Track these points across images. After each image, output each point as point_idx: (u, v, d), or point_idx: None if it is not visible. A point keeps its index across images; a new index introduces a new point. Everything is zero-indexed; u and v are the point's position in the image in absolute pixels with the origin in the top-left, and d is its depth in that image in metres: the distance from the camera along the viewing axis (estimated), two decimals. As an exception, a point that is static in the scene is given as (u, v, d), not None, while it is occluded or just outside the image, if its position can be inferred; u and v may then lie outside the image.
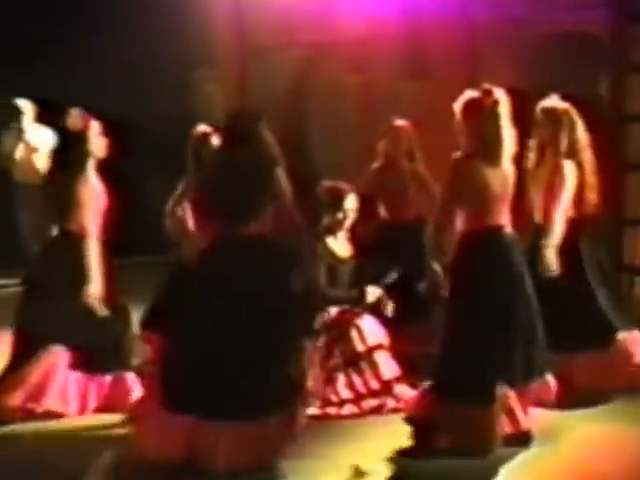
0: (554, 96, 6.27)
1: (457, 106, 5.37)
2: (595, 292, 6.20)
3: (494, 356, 5.25)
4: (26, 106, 9.72)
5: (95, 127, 6.09)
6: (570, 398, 5.77)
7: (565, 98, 6.26)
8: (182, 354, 5.06)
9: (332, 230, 6.32)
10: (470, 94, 5.38)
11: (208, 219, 5.32)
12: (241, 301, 4.96)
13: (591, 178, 6.23)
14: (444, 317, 5.44)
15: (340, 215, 6.30)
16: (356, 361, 6.12)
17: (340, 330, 6.17)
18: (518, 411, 5.33)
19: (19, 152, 9.78)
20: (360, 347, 6.13)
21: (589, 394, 5.99)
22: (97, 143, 6.09)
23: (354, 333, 6.16)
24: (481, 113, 5.31)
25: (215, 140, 6.36)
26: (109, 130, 6.17)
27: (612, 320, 6.20)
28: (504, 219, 5.40)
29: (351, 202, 6.34)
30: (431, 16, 9.00)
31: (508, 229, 5.41)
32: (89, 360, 5.95)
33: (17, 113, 9.75)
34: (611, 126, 8.07)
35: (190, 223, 6.35)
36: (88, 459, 5.22)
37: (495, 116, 5.30)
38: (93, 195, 6.02)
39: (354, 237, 6.46)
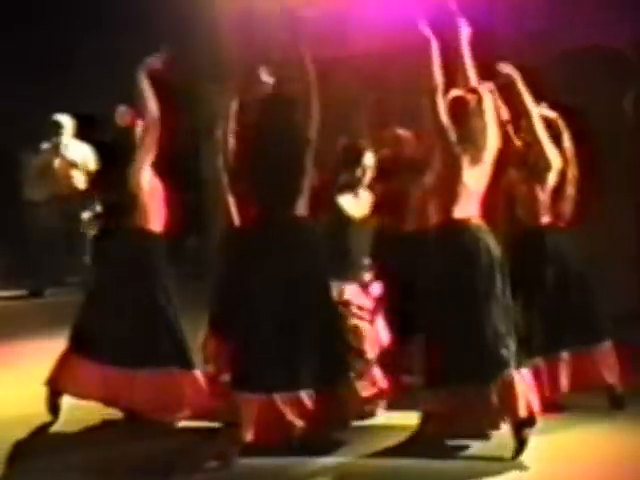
0: (543, 104, 6.20)
1: (444, 105, 5.45)
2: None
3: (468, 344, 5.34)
4: (64, 121, 9.79)
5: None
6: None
7: (554, 107, 6.23)
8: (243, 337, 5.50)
9: (352, 186, 6.28)
10: (455, 92, 5.52)
11: (251, 203, 5.66)
12: (286, 282, 5.39)
13: (571, 189, 6.15)
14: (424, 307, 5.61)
15: (359, 171, 6.27)
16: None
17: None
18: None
19: (56, 166, 9.88)
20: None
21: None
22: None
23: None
24: (466, 110, 5.43)
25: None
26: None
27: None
28: (473, 211, 5.46)
29: (369, 158, 6.32)
30: (449, 28, 8.89)
31: (475, 220, 5.46)
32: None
33: (56, 127, 9.87)
34: (635, 140, 8.11)
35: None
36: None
37: (479, 113, 5.41)
38: (150, 189, 6.01)
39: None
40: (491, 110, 5.46)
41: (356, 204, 6.28)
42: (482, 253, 5.38)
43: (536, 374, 5.65)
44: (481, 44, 8.67)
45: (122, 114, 6.11)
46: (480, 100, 5.43)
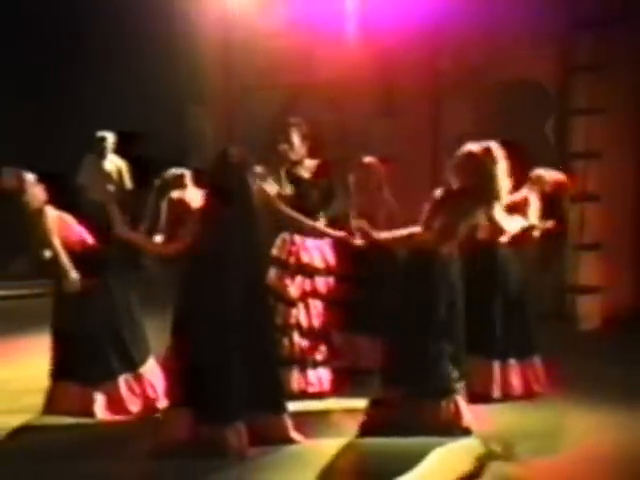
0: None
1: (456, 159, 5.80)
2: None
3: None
4: (105, 137, 10.62)
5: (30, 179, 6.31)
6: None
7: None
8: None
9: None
10: (469, 148, 5.81)
11: None
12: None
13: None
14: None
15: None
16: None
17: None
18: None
19: (94, 176, 10.78)
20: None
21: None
22: (34, 193, 6.32)
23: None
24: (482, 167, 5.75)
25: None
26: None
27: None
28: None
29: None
30: (401, 62, 9.84)
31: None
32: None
33: (98, 142, 10.66)
34: (556, 162, 9.00)
35: None
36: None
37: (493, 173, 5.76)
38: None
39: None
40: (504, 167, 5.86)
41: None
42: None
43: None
44: (426, 75, 9.71)
45: (8, 178, 6.20)
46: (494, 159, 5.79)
